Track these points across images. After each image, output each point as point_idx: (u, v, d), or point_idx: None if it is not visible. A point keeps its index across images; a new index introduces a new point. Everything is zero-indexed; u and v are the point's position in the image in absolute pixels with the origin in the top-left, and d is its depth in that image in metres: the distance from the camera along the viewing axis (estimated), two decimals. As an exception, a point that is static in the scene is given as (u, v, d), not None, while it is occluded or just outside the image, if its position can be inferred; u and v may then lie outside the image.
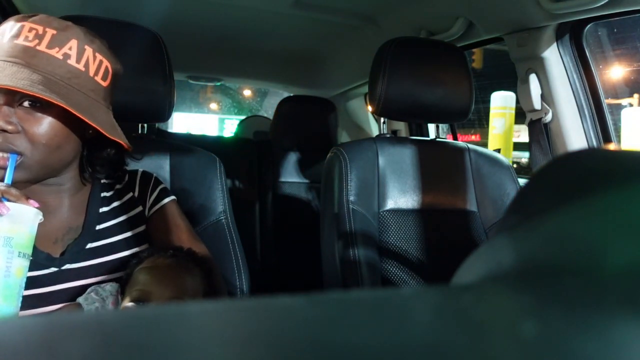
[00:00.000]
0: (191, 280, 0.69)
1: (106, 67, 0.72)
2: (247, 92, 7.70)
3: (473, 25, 1.56)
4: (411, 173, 1.27)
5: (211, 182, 1.02)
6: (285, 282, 2.04)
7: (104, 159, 0.77)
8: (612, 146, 1.46)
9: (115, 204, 0.81)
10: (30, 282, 0.66)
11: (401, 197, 1.24)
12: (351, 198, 1.17)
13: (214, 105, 8.25)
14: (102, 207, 0.79)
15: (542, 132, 1.45)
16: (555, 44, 1.41)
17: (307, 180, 2.17)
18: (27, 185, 0.71)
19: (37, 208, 0.62)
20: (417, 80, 1.23)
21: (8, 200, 0.59)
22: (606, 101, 1.46)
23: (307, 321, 0.13)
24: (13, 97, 0.65)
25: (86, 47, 0.70)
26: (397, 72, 1.21)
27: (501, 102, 1.74)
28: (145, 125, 1.12)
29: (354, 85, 2.56)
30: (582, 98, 1.44)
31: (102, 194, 0.81)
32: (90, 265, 0.73)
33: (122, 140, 0.73)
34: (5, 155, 0.64)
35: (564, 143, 1.43)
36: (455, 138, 2.20)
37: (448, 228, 1.25)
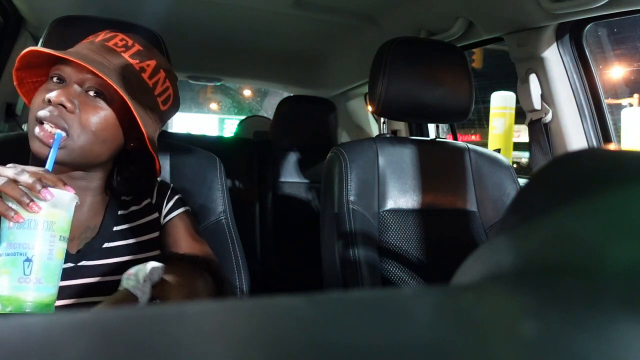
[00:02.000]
0: (204, 288, 0.71)
1: (169, 94, 0.80)
2: (247, 92, 7.70)
3: (473, 25, 1.56)
4: (411, 173, 1.27)
5: (211, 182, 1.02)
6: (285, 282, 2.04)
7: (133, 173, 0.81)
8: (612, 146, 1.46)
9: (133, 208, 0.83)
10: None
11: (401, 197, 1.24)
12: (351, 198, 1.17)
13: (214, 105, 8.25)
14: (120, 209, 0.82)
15: (542, 132, 1.45)
16: (555, 44, 1.41)
17: (307, 180, 2.17)
18: (60, 172, 0.74)
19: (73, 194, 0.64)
20: (417, 80, 1.23)
21: (47, 185, 0.61)
22: (606, 101, 1.46)
23: (307, 321, 0.13)
24: (83, 82, 0.70)
25: (161, 70, 0.78)
26: (397, 72, 1.21)
27: (501, 102, 1.74)
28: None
29: (354, 85, 2.56)
30: (582, 98, 1.44)
31: (122, 197, 0.83)
32: (105, 263, 0.75)
33: (158, 161, 0.78)
34: (53, 130, 0.67)
35: (564, 143, 1.43)
36: (455, 138, 2.20)
37: (448, 228, 1.25)
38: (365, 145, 1.25)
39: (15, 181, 0.59)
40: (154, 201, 0.85)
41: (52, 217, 0.60)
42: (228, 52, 2.35)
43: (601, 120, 1.43)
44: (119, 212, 0.81)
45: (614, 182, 0.17)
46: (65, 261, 0.71)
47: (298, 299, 0.14)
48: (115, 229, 0.79)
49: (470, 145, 1.37)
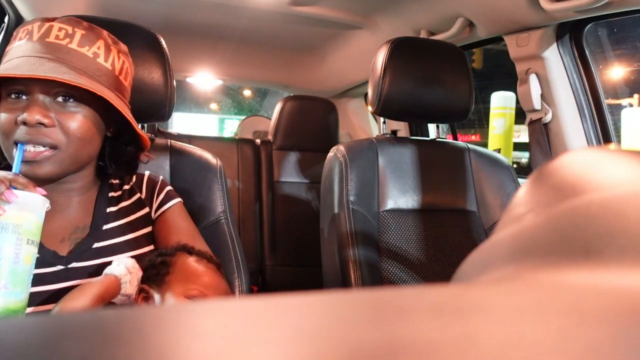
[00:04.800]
0: (229, 291, 0.72)
1: (127, 68, 0.77)
2: (247, 92, 7.70)
3: (473, 25, 1.56)
4: (411, 173, 1.27)
5: (211, 182, 1.02)
6: (285, 282, 2.04)
7: (125, 156, 0.80)
8: (612, 146, 1.46)
9: (122, 204, 0.81)
10: (37, 280, 0.67)
11: (401, 197, 1.24)
12: (351, 198, 1.17)
13: (214, 105, 8.25)
14: (109, 206, 0.80)
15: (542, 132, 1.45)
16: (555, 44, 1.41)
17: (307, 180, 2.17)
18: (43, 182, 0.72)
19: (44, 196, 0.63)
20: (417, 80, 1.23)
21: (16, 188, 0.60)
22: (606, 101, 1.46)
23: (307, 321, 0.13)
24: (49, 91, 0.67)
25: (112, 47, 0.74)
26: (397, 72, 1.21)
27: (501, 102, 1.74)
28: (145, 125, 1.12)
29: (354, 85, 2.56)
30: (582, 98, 1.44)
31: (110, 194, 0.81)
32: (96, 264, 0.74)
33: (143, 134, 0.77)
34: (41, 148, 0.66)
35: (564, 143, 1.43)
36: (455, 138, 2.20)
37: (448, 228, 1.25)
38: (365, 145, 1.25)
39: None
40: (143, 195, 0.84)
41: (19, 219, 0.58)
42: (228, 52, 2.35)
43: (601, 120, 1.43)
44: (108, 210, 0.79)
45: (614, 182, 0.17)
46: (55, 263, 0.71)
47: (298, 298, 0.14)
48: (105, 227, 0.77)
49: (470, 145, 1.37)
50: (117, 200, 0.81)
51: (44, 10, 1.69)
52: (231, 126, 6.72)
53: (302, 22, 1.90)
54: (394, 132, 1.72)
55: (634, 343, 0.11)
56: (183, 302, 0.66)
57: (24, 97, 0.67)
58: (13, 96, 0.68)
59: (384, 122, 1.46)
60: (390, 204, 1.22)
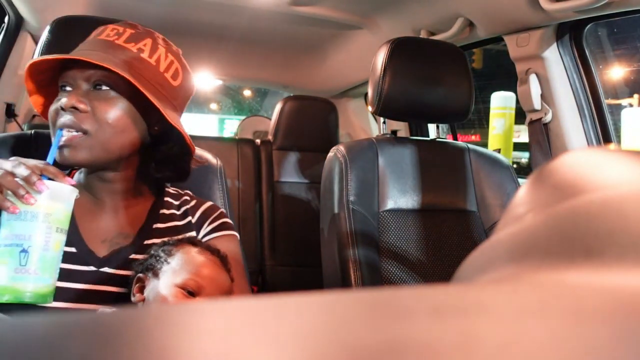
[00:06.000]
0: (230, 286, 0.70)
1: (177, 69, 0.77)
2: (247, 92, 7.70)
3: (473, 25, 1.56)
4: (411, 173, 1.27)
5: (211, 182, 1.02)
6: (285, 282, 2.04)
7: (168, 157, 0.80)
8: (612, 146, 1.46)
9: (171, 223, 0.80)
10: (66, 275, 0.68)
11: (401, 197, 1.24)
12: (351, 198, 1.17)
13: (214, 105, 8.24)
14: (158, 223, 0.79)
15: (542, 132, 1.45)
16: (555, 44, 1.41)
17: (307, 180, 2.17)
18: (85, 180, 0.76)
19: (73, 186, 0.64)
20: (417, 80, 1.23)
21: (47, 178, 0.62)
22: (606, 101, 1.46)
23: (307, 321, 0.13)
24: (89, 78, 0.70)
25: (159, 46, 0.75)
26: (397, 72, 1.21)
27: (501, 102, 1.74)
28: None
29: (354, 85, 2.56)
30: (582, 98, 1.44)
31: (162, 211, 0.80)
32: (126, 275, 0.72)
33: (188, 137, 0.77)
34: (74, 132, 0.68)
35: (564, 143, 1.43)
36: (455, 138, 2.20)
37: (448, 228, 1.25)
38: (365, 145, 1.25)
39: (12, 174, 0.60)
40: (194, 220, 0.82)
41: (49, 209, 0.60)
42: (228, 52, 2.35)
43: (601, 120, 1.43)
44: (155, 226, 0.78)
45: (613, 181, 0.17)
46: (90, 263, 0.71)
47: (297, 298, 0.14)
48: (147, 242, 0.76)
49: (470, 146, 1.37)
50: (168, 218, 0.80)
51: (44, 10, 1.69)
52: (231, 126, 6.72)
53: (302, 22, 1.90)
54: (394, 132, 1.72)
55: (635, 343, 0.11)
56: (175, 292, 0.64)
57: (68, 88, 0.71)
58: (65, 88, 0.71)
59: (384, 122, 1.46)
60: (390, 204, 1.22)
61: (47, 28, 0.95)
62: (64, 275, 0.67)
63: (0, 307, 0.63)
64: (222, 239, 0.80)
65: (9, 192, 0.59)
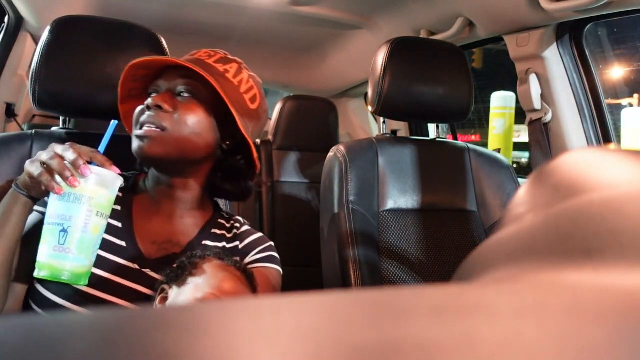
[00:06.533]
0: None
1: (255, 94, 0.83)
2: (247, 92, 7.68)
3: (473, 25, 1.56)
4: (411, 173, 1.27)
5: (211, 182, 1.02)
6: (285, 282, 2.03)
7: (235, 171, 0.83)
8: (612, 146, 1.46)
9: (219, 244, 0.81)
10: (109, 266, 0.71)
11: (401, 197, 1.24)
12: (351, 198, 1.17)
13: (214, 105, 8.22)
14: (207, 240, 0.80)
15: (542, 132, 1.45)
16: (555, 44, 1.41)
17: (307, 180, 2.17)
18: (151, 183, 0.80)
19: (119, 175, 0.67)
20: (417, 80, 1.23)
21: (96, 164, 0.65)
22: (606, 101, 1.46)
23: (307, 321, 0.13)
24: (175, 87, 0.77)
25: (243, 70, 0.83)
26: (397, 72, 1.21)
27: (501, 102, 1.74)
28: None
29: (354, 85, 2.56)
30: (582, 98, 1.44)
31: (213, 230, 0.82)
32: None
33: (255, 155, 0.81)
34: (153, 127, 0.73)
35: (564, 143, 1.43)
36: (455, 138, 2.20)
37: (448, 228, 1.25)
38: (365, 145, 1.25)
39: (61, 157, 0.63)
40: (241, 246, 0.83)
41: (91, 192, 0.63)
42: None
43: (601, 120, 1.43)
44: (204, 242, 0.79)
45: (613, 181, 0.17)
46: (135, 261, 0.73)
47: (297, 298, 0.14)
48: None
49: (470, 145, 1.37)
50: (217, 238, 0.81)
51: (44, 10, 1.69)
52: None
53: (302, 22, 1.90)
54: (394, 132, 1.72)
55: (635, 343, 0.11)
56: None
57: (154, 94, 0.77)
58: (149, 95, 0.77)
59: (384, 122, 1.46)
60: (390, 204, 1.22)
61: (47, 28, 0.95)
62: (108, 266, 0.71)
63: (42, 282, 0.68)
64: (265, 271, 0.81)
65: (57, 174, 0.62)
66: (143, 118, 0.74)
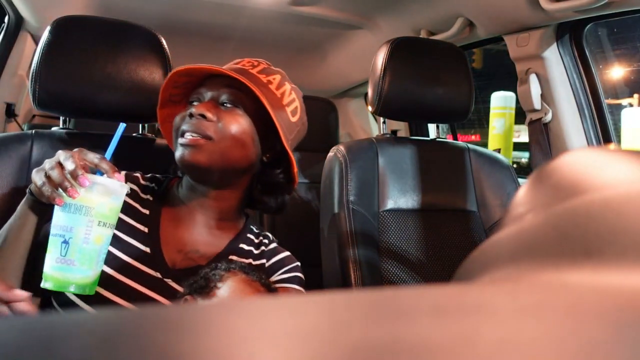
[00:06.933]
0: None
1: (296, 107, 0.84)
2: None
3: (473, 25, 1.56)
4: (411, 173, 1.27)
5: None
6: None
7: (274, 183, 0.83)
8: (612, 146, 1.46)
9: (246, 260, 0.80)
10: (131, 272, 0.70)
11: (401, 197, 1.24)
12: (351, 198, 1.17)
13: (214, 105, 8.22)
14: (234, 255, 0.79)
15: (542, 132, 1.45)
16: (555, 44, 1.41)
17: (307, 180, 2.17)
18: (185, 191, 0.79)
19: (124, 183, 0.66)
20: (417, 80, 1.23)
21: (101, 173, 0.64)
22: (606, 101, 1.46)
23: (307, 321, 0.13)
24: (219, 96, 0.76)
25: (286, 83, 0.82)
26: (397, 72, 1.21)
27: (501, 102, 1.74)
28: (146, 125, 1.12)
29: (354, 85, 2.56)
30: (582, 98, 1.44)
31: (241, 245, 0.81)
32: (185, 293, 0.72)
33: (295, 169, 0.81)
34: (198, 136, 0.72)
35: (564, 143, 1.43)
36: (455, 138, 2.20)
37: (448, 228, 1.25)
38: (365, 145, 1.25)
39: (62, 167, 0.62)
40: (267, 264, 0.82)
41: (92, 202, 0.62)
42: (228, 52, 2.35)
43: (601, 120, 1.43)
44: (231, 257, 0.78)
45: (613, 181, 0.17)
46: (158, 269, 0.72)
47: (297, 298, 0.14)
48: None
49: (470, 145, 1.37)
50: (245, 254, 0.80)
51: (44, 10, 1.69)
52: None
53: (302, 22, 1.90)
54: (394, 132, 1.72)
55: (635, 343, 0.11)
56: None
57: (196, 103, 0.76)
58: (191, 103, 0.77)
59: (384, 122, 1.46)
60: (390, 204, 1.22)
61: (47, 28, 0.95)
62: (132, 272, 0.70)
63: (57, 295, 0.68)
64: (289, 291, 0.80)
65: (57, 185, 0.62)
66: (185, 126, 0.73)
